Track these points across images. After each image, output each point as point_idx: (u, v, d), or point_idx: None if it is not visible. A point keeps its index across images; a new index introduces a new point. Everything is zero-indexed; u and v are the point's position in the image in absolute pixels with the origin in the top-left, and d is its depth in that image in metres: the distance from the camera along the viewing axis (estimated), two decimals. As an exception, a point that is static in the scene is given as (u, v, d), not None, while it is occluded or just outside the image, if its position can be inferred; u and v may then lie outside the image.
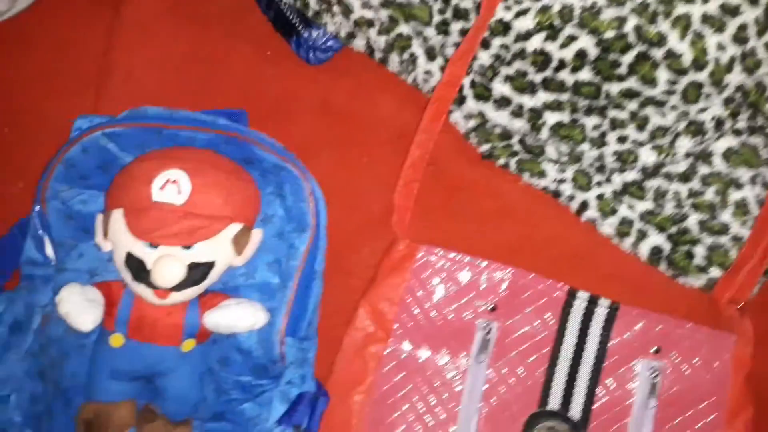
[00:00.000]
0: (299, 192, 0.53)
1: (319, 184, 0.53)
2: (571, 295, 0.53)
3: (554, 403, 0.52)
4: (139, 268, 0.48)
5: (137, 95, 0.58)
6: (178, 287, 0.48)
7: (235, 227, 0.50)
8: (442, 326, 0.53)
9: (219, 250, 0.49)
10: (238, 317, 0.50)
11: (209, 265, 0.49)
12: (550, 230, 0.57)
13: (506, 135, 0.57)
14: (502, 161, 0.57)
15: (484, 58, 0.55)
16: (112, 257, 0.51)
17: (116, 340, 0.50)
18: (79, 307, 0.48)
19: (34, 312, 0.53)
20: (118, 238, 0.49)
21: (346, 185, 0.57)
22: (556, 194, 0.57)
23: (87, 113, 0.55)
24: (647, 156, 0.55)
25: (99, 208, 0.53)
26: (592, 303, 0.53)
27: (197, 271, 0.49)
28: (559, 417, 0.51)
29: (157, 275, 0.47)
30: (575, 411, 0.51)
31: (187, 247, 0.48)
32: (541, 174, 0.57)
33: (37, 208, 0.54)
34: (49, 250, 0.54)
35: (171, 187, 0.48)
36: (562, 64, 0.53)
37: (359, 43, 0.59)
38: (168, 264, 0.47)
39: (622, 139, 0.55)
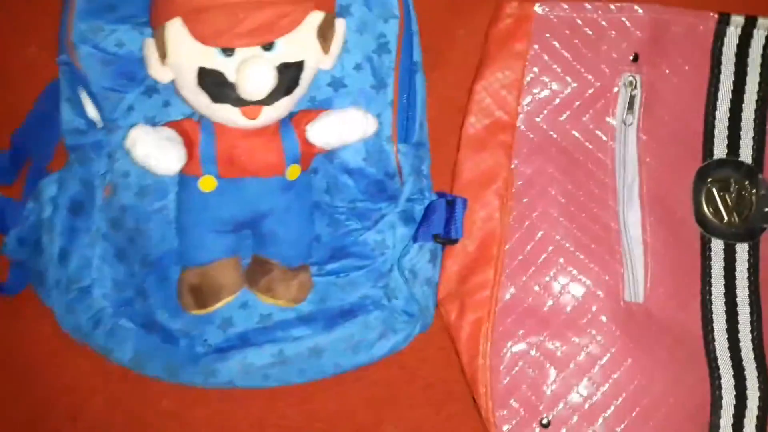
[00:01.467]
0: (376, -33, 0.43)
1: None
2: (723, 22, 0.45)
3: (720, 151, 0.45)
4: (218, 85, 0.39)
5: None
6: (270, 99, 0.40)
7: (318, 15, 0.40)
8: (575, 92, 0.45)
9: (305, 46, 0.40)
10: (346, 124, 0.42)
11: (299, 66, 0.40)
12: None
13: None
14: None
15: None
16: (176, 87, 0.41)
17: (207, 183, 0.41)
18: (159, 145, 0.40)
19: (93, 186, 0.45)
20: (182, 54, 0.40)
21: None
22: None
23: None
24: None
25: (138, 47, 0.44)
26: (750, 26, 0.45)
27: (287, 74, 0.40)
28: (730, 164, 0.44)
29: (245, 83, 0.38)
30: (745, 155, 0.45)
31: (268, 48, 0.39)
32: None
33: (64, 56, 0.44)
34: (92, 111, 0.45)
35: (233, -27, 0.38)
36: None
37: None
38: (255, 66, 0.38)
39: None
